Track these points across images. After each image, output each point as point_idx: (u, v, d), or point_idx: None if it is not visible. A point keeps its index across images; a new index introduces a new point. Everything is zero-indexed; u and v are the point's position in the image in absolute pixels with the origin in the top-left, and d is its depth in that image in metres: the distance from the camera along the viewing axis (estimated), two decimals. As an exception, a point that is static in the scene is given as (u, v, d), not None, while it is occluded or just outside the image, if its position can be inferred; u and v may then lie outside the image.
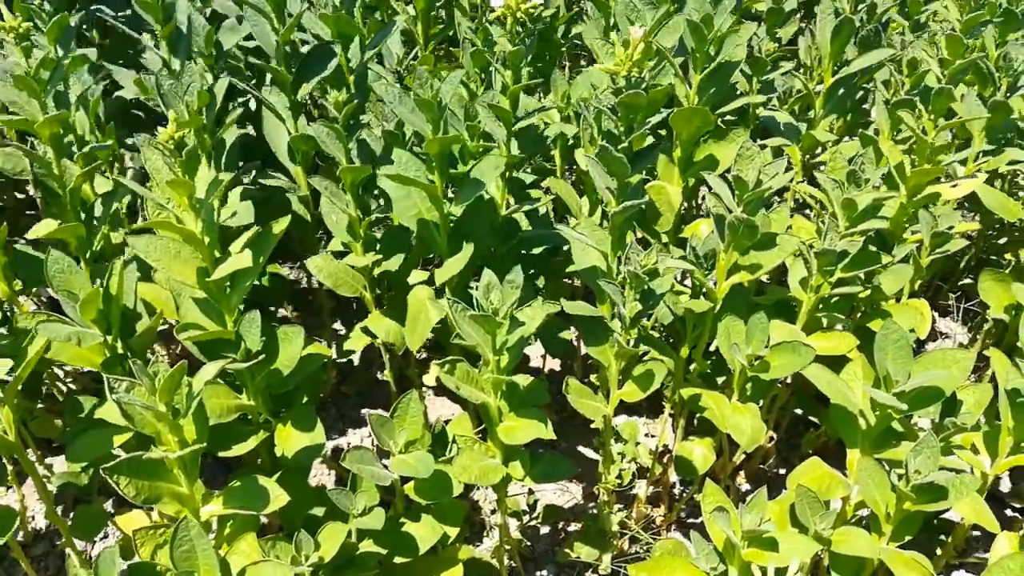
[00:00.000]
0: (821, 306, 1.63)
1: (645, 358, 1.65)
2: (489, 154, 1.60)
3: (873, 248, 1.65)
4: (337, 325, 2.39)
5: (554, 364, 2.37)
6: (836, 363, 1.54)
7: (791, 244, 1.54)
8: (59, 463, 2.00)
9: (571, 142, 2.16)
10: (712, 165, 1.83)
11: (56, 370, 2.05)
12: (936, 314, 2.46)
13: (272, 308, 2.27)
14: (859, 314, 1.76)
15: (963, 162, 2.00)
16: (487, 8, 1.66)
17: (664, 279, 1.40)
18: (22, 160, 1.71)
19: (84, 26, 2.23)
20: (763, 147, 2.20)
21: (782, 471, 2.10)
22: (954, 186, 1.72)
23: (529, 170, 2.19)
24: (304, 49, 1.85)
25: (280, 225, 1.45)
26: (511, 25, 1.53)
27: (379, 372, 2.30)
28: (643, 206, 1.46)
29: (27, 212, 2.40)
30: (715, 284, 1.60)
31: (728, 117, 2.05)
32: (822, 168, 1.83)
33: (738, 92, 2.21)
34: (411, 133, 1.76)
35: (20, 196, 2.34)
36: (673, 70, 1.73)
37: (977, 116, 1.91)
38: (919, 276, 1.77)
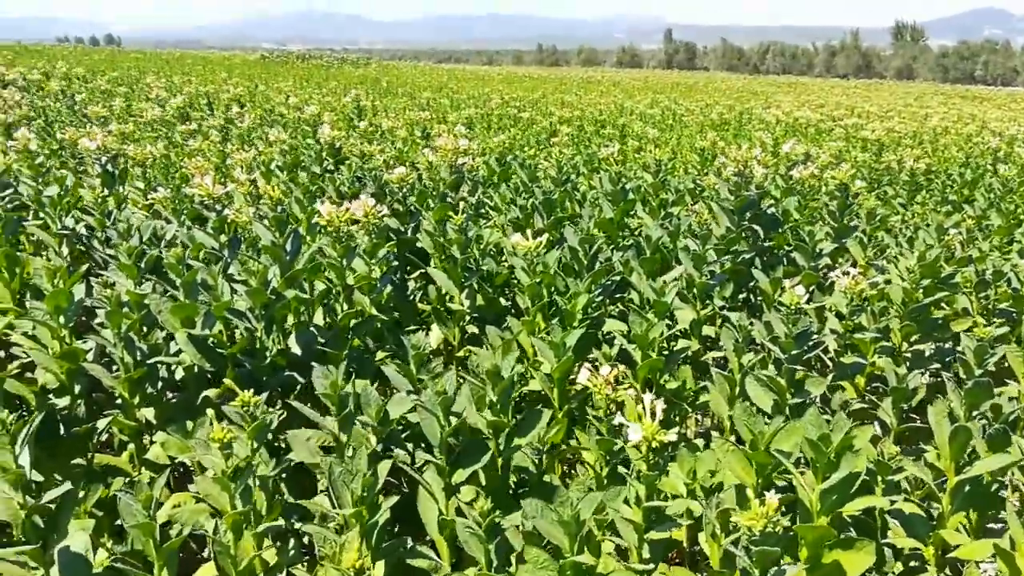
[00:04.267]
0: None
1: None
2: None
3: None
4: None
5: None
6: None
7: None
8: None
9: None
10: (840, 572, 1.84)
11: None
12: None
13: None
14: None
15: None
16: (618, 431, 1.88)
17: None
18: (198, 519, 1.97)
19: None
20: (892, 546, 2.18)
21: None
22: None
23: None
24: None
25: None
26: (646, 451, 1.70)
27: None
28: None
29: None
30: None
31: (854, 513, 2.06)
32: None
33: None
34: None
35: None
36: (795, 479, 1.83)
37: None
38: None
